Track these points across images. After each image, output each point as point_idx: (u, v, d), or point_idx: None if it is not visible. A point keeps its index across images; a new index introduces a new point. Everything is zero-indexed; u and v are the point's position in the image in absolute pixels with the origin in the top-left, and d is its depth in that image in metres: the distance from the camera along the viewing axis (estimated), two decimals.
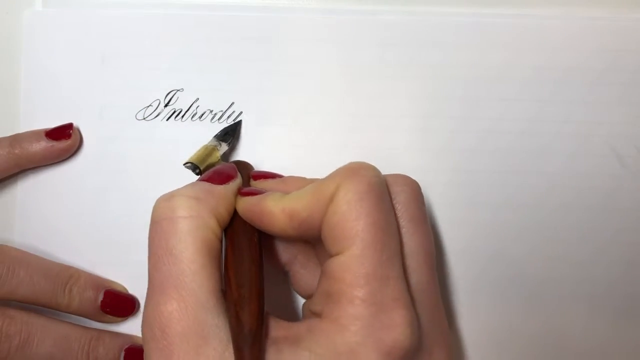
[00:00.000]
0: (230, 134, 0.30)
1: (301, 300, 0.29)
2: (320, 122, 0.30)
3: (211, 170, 0.25)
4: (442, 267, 0.30)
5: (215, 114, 0.30)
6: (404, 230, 0.23)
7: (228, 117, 0.30)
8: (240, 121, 0.30)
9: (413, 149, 0.30)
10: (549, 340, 0.30)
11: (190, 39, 0.30)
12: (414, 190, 0.24)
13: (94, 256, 0.30)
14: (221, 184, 0.24)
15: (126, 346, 0.29)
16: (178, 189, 0.23)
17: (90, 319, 0.29)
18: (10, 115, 0.31)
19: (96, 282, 0.29)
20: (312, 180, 0.25)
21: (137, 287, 0.30)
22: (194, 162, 0.27)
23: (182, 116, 0.30)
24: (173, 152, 0.30)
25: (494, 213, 0.30)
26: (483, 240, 0.30)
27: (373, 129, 0.30)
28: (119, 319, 0.30)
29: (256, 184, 0.26)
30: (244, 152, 0.30)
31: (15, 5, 0.31)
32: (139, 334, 0.30)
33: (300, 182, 0.25)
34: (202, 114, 0.30)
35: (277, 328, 0.22)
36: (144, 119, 0.31)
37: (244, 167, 0.27)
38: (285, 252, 0.27)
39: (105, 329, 0.30)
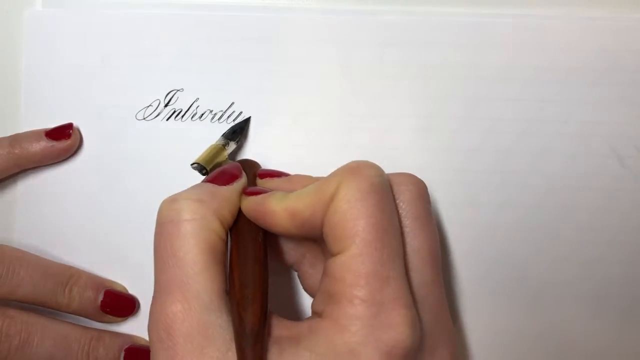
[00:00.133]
0: (239, 132, 0.30)
1: (306, 299, 0.29)
2: (320, 122, 0.30)
3: (216, 170, 0.25)
4: (443, 267, 0.29)
5: (215, 114, 0.30)
6: (407, 230, 0.23)
7: (228, 117, 0.30)
8: (249, 118, 0.30)
9: (413, 149, 0.30)
10: (551, 340, 0.30)
11: (190, 39, 0.30)
12: (419, 189, 0.24)
13: (94, 256, 0.30)
14: (225, 185, 0.24)
15: (126, 346, 0.29)
16: (182, 192, 0.24)
17: (90, 319, 0.29)
18: (10, 115, 0.31)
19: (96, 282, 0.29)
20: (318, 179, 0.25)
21: (137, 287, 0.30)
22: (201, 162, 0.27)
23: (182, 116, 0.30)
24: (173, 152, 0.30)
25: (493, 213, 0.30)
26: (483, 240, 0.30)
27: (373, 129, 0.30)
28: (119, 319, 0.30)
29: (262, 183, 0.26)
30: (244, 152, 0.30)
31: (15, 5, 0.31)
32: (139, 334, 0.30)
33: (306, 181, 0.25)
34: (202, 114, 0.30)
35: (280, 327, 0.22)
36: (144, 119, 0.31)
37: (250, 166, 0.27)
38: (293, 252, 0.27)
39: (105, 329, 0.30)
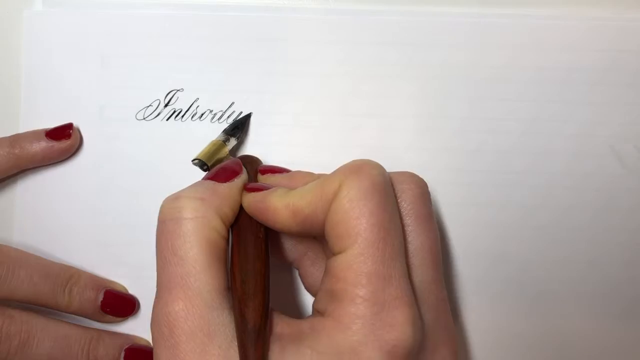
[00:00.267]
0: (240, 128, 0.30)
1: (308, 296, 0.29)
2: (320, 122, 0.30)
3: (216, 167, 0.25)
4: (443, 267, 0.29)
5: (215, 114, 0.30)
6: (409, 229, 0.23)
7: (228, 117, 0.30)
8: (249, 114, 0.30)
9: (413, 149, 0.30)
10: (551, 340, 0.30)
11: (190, 39, 0.30)
12: (421, 188, 0.24)
13: (94, 256, 0.30)
14: (226, 182, 0.24)
15: (126, 346, 0.29)
16: (183, 190, 0.24)
17: (90, 319, 0.29)
18: (10, 115, 0.31)
19: (96, 282, 0.29)
20: (320, 175, 0.25)
21: (137, 287, 0.30)
22: (202, 159, 0.27)
23: (182, 116, 0.30)
24: (173, 152, 0.30)
25: (493, 213, 0.30)
26: (483, 240, 0.30)
27: (373, 129, 0.30)
28: (119, 319, 0.30)
29: (263, 179, 0.26)
30: (244, 150, 0.30)
31: (15, 5, 0.31)
32: (139, 334, 0.30)
33: (308, 177, 0.25)
34: (202, 114, 0.30)
35: (281, 324, 0.22)
36: (144, 119, 0.31)
37: (251, 162, 0.27)
38: (294, 250, 0.27)
39: (105, 329, 0.30)
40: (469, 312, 0.30)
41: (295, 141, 0.30)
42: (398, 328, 0.20)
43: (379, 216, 0.21)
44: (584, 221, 0.30)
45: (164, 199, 0.24)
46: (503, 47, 0.30)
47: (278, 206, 0.23)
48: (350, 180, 0.22)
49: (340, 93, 0.30)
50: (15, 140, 0.30)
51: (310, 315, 0.23)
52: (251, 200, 0.24)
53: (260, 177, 0.27)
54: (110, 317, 0.29)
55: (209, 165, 0.27)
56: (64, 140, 0.30)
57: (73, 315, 0.29)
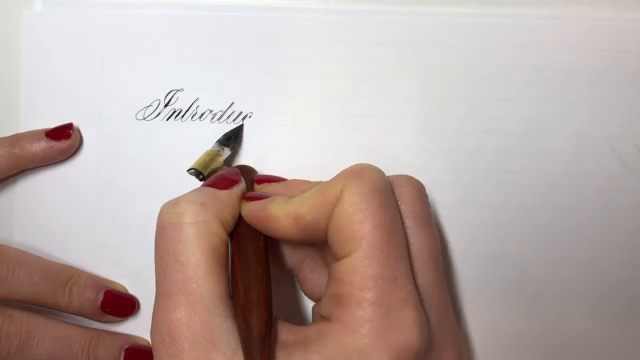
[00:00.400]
0: (233, 139, 0.30)
1: (308, 303, 0.29)
2: (320, 122, 0.30)
3: (215, 175, 0.25)
4: (444, 267, 0.30)
5: (215, 114, 0.30)
6: (409, 231, 0.23)
7: (228, 117, 0.30)
8: (241, 125, 0.30)
9: (413, 149, 0.30)
10: (551, 340, 0.30)
11: (190, 39, 0.30)
12: (418, 190, 0.24)
13: (94, 256, 0.30)
14: (225, 189, 0.24)
15: (126, 346, 0.29)
16: (183, 195, 0.23)
17: (90, 319, 0.29)
18: (10, 115, 0.31)
19: (96, 282, 0.29)
20: (316, 183, 0.25)
21: (137, 287, 0.30)
22: (197, 168, 0.27)
23: (182, 116, 0.30)
24: (173, 152, 0.30)
25: (493, 213, 0.30)
26: (483, 240, 0.30)
27: (373, 129, 0.30)
28: (119, 319, 0.30)
29: (260, 188, 0.26)
30: (244, 152, 0.30)
31: (15, 5, 0.31)
32: (139, 334, 0.30)
33: (304, 185, 0.25)
34: (202, 114, 0.30)
35: (285, 332, 0.22)
36: (144, 119, 0.31)
37: (247, 172, 0.28)
38: (292, 256, 0.27)
39: (105, 329, 0.30)
40: (468, 312, 0.30)
41: (295, 141, 0.30)
42: (406, 330, 0.20)
43: (381, 219, 0.21)
44: (583, 221, 0.30)
45: (164, 199, 0.23)
46: (503, 47, 0.30)
47: (279, 214, 0.23)
48: (351, 185, 0.22)
49: (340, 93, 0.30)
50: (15, 140, 0.30)
51: (314, 321, 0.23)
52: (250, 209, 0.24)
53: (257, 186, 0.27)
54: (110, 317, 0.29)
55: (204, 174, 0.27)
56: (64, 140, 0.30)
57: (73, 315, 0.29)
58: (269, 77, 0.30)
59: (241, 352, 0.20)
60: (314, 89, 0.30)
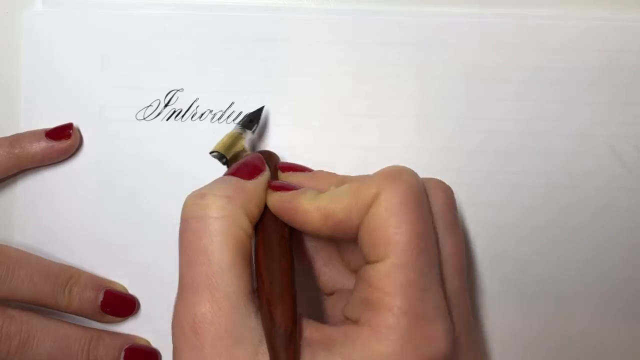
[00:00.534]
0: (255, 121, 0.29)
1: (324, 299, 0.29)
2: (320, 122, 0.30)
3: (239, 163, 0.25)
4: None
5: (215, 114, 0.30)
6: (439, 236, 0.23)
7: (228, 117, 0.30)
8: (263, 107, 0.30)
9: (413, 149, 0.30)
10: (551, 339, 0.30)
11: (190, 39, 0.30)
12: (449, 195, 0.24)
13: (94, 256, 0.30)
14: (250, 179, 0.24)
15: (126, 346, 0.29)
16: (207, 187, 0.23)
17: (90, 319, 0.29)
18: (10, 115, 0.31)
19: (96, 282, 0.29)
20: (343, 177, 0.24)
21: (137, 287, 0.30)
22: (220, 150, 0.26)
23: (182, 116, 0.30)
24: (173, 152, 0.30)
25: (493, 213, 0.30)
26: (483, 240, 0.30)
27: (373, 129, 0.30)
28: (119, 319, 0.30)
29: (284, 177, 0.26)
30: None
31: (15, 5, 0.31)
32: (139, 334, 0.30)
33: (331, 178, 0.25)
34: (202, 114, 0.30)
35: (310, 329, 0.21)
36: (144, 119, 0.31)
37: (270, 157, 0.26)
38: (307, 249, 0.27)
39: (105, 329, 0.30)
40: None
41: (295, 141, 0.30)
42: (436, 341, 0.20)
43: (417, 226, 0.21)
44: (583, 221, 0.30)
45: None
46: (503, 47, 0.30)
47: (309, 208, 0.22)
48: (389, 187, 0.21)
49: (340, 93, 0.30)
50: (15, 140, 0.30)
51: (337, 321, 0.23)
52: (278, 200, 0.23)
53: (281, 174, 0.26)
54: (110, 317, 0.29)
55: (227, 157, 0.26)
56: (64, 140, 0.30)
57: (73, 315, 0.29)
58: (269, 77, 0.30)
59: (264, 348, 0.20)
60: (314, 89, 0.30)
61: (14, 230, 0.30)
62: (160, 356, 0.30)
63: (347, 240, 0.24)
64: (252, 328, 0.21)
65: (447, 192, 0.24)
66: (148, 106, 0.30)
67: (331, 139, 0.30)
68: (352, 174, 0.25)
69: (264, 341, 0.20)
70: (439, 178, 0.29)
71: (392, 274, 0.20)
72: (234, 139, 0.27)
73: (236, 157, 0.26)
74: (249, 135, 0.28)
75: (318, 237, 0.26)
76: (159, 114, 0.30)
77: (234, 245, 0.22)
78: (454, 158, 0.30)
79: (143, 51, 0.30)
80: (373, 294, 0.21)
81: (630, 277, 0.30)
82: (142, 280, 0.30)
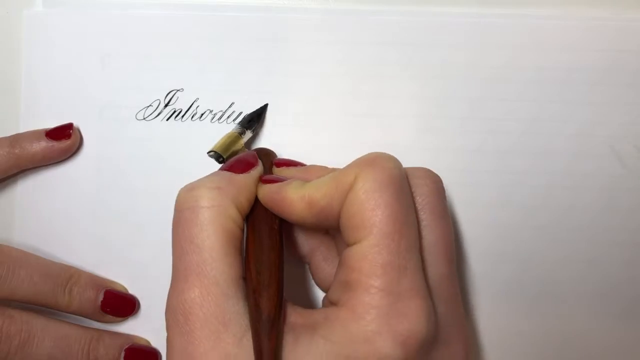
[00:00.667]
0: (255, 121, 0.30)
1: (318, 291, 0.29)
2: (320, 122, 0.30)
3: (232, 159, 0.26)
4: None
5: (215, 114, 0.30)
6: (424, 224, 0.23)
7: (228, 117, 0.30)
8: (266, 105, 0.30)
9: (413, 149, 0.30)
10: (551, 339, 0.30)
11: (190, 39, 0.30)
12: (436, 183, 0.24)
13: (94, 256, 0.30)
14: (242, 173, 0.25)
15: (126, 346, 0.29)
16: (200, 179, 0.24)
17: (90, 319, 0.29)
18: (10, 115, 0.31)
19: (96, 282, 0.29)
20: (335, 169, 0.25)
21: (137, 287, 0.30)
22: (217, 150, 0.27)
23: (182, 116, 0.30)
24: (173, 152, 0.30)
25: (494, 213, 0.30)
26: (484, 240, 0.30)
27: (373, 129, 0.30)
28: (119, 319, 0.30)
29: (279, 172, 0.27)
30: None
31: (15, 5, 0.31)
32: (139, 334, 0.30)
33: (323, 171, 0.25)
34: (202, 114, 0.30)
35: (294, 315, 0.22)
36: (144, 119, 0.31)
37: (266, 155, 0.27)
38: (306, 244, 0.27)
39: (105, 329, 0.30)
40: (469, 312, 0.30)
41: (295, 141, 0.30)
42: (412, 319, 0.20)
43: (394, 208, 0.21)
44: (584, 221, 0.30)
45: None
46: (503, 47, 0.30)
47: (294, 198, 0.23)
48: (365, 172, 0.22)
49: (340, 93, 0.30)
50: (15, 140, 0.30)
51: (324, 307, 0.23)
52: (267, 192, 0.24)
53: (276, 169, 0.27)
54: (110, 317, 0.29)
55: (224, 157, 0.27)
56: (64, 140, 0.30)
57: (73, 315, 0.29)
58: (269, 77, 0.30)
59: (250, 333, 0.21)
60: (314, 89, 0.30)
61: (14, 230, 0.30)
62: (160, 356, 0.30)
63: (332, 228, 0.24)
64: (240, 314, 0.21)
65: (435, 181, 0.24)
66: (148, 106, 0.30)
67: (331, 139, 0.30)
68: None
69: None
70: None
71: (369, 255, 0.21)
72: (233, 139, 0.28)
73: (233, 156, 0.27)
74: (248, 135, 0.29)
75: (305, 226, 0.26)
76: (159, 114, 0.30)
77: (224, 235, 0.22)
78: (454, 158, 0.30)
79: (143, 51, 0.30)
80: (351, 275, 0.21)
81: (631, 277, 0.30)
82: (142, 280, 0.30)
